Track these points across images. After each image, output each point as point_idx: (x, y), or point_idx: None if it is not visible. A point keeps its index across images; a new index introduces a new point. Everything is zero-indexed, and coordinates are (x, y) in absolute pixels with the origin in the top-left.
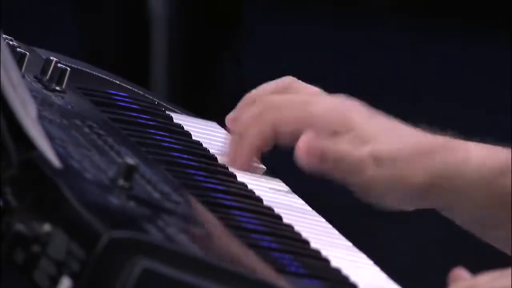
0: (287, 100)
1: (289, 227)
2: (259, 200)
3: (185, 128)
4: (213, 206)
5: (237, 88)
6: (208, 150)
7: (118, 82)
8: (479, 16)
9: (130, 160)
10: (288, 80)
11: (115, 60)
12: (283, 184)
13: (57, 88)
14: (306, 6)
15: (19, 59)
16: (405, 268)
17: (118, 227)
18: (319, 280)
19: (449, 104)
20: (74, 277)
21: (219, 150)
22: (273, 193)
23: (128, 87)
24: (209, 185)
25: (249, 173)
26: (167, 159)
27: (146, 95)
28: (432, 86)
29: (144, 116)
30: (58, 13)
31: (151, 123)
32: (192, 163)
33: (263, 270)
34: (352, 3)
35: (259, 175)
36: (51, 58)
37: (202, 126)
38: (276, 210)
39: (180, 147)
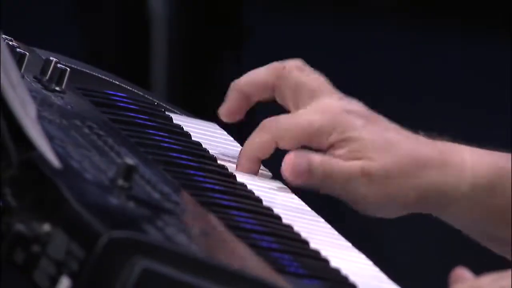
0: (283, 122)
1: (289, 227)
2: (259, 200)
3: (185, 128)
4: (212, 206)
5: None
6: (208, 150)
7: (117, 83)
8: (479, 16)
9: (130, 161)
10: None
11: (115, 60)
12: (282, 185)
13: (57, 88)
14: (306, 6)
15: (19, 59)
16: (404, 268)
17: (117, 227)
18: (319, 280)
19: (449, 104)
20: (73, 277)
21: (218, 151)
22: (272, 193)
23: (128, 87)
24: (209, 185)
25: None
26: (166, 160)
27: (146, 95)
28: (432, 86)
29: (144, 116)
30: (58, 13)
31: (150, 123)
32: (192, 163)
33: (262, 270)
34: (352, 3)
35: (258, 176)
36: (51, 58)
37: (201, 127)
38: (276, 211)
39: (179, 147)
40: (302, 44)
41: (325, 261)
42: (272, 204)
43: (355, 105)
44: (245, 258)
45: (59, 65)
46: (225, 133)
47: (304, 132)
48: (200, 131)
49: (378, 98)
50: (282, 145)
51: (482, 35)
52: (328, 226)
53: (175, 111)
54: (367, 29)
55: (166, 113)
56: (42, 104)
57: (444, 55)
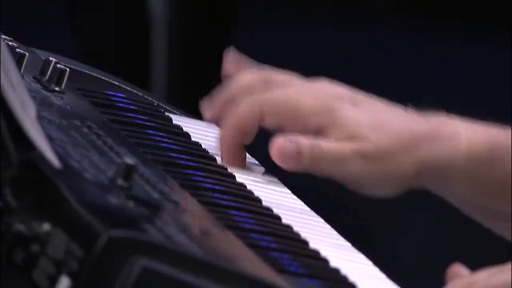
0: (272, 97)
1: (288, 227)
2: (258, 200)
3: (184, 129)
4: (212, 206)
5: None
6: (207, 151)
7: (117, 83)
8: (479, 16)
9: (129, 160)
10: (264, 73)
11: (115, 60)
12: (282, 185)
13: (56, 88)
14: (306, 6)
15: (18, 59)
16: (404, 268)
17: (117, 226)
18: (318, 280)
19: (449, 104)
20: (73, 276)
21: (218, 151)
22: (272, 193)
23: (128, 88)
24: (208, 185)
25: (247, 173)
26: (166, 160)
27: (146, 96)
28: (432, 86)
29: (143, 117)
30: (58, 13)
31: (150, 124)
32: (191, 163)
33: (262, 270)
34: (352, 3)
35: (257, 175)
36: (50, 58)
37: (201, 127)
38: (275, 211)
39: (179, 148)
40: (302, 44)
41: (325, 261)
42: (271, 204)
43: (344, 89)
44: (244, 258)
45: (58, 65)
46: None
47: (294, 109)
48: (200, 132)
49: (378, 98)
50: (267, 121)
51: (482, 35)
52: (328, 226)
53: (175, 111)
54: (367, 29)
55: (166, 113)
56: (42, 104)
57: (444, 55)
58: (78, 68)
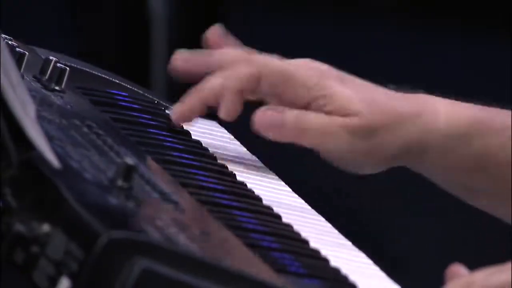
0: (272, 62)
1: (289, 227)
2: (259, 199)
3: (185, 127)
4: (212, 205)
5: None
6: (208, 149)
7: (117, 82)
8: (479, 16)
9: (129, 160)
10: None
11: (115, 60)
12: (283, 184)
13: (56, 87)
14: (306, 6)
15: (18, 58)
16: (405, 267)
17: (117, 227)
18: (319, 279)
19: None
20: (73, 277)
21: (218, 149)
22: (272, 192)
23: (128, 86)
24: (208, 184)
25: (247, 171)
26: (166, 159)
27: (146, 94)
28: (432, 86)
29: (144, 115)
30: (58, 13)
31: (150, 122)
32: (192, 162)
33: (262, 270)
34: (352, 3)
35: (257, 173)
36: (50, 57)
37: (201, 126)
38: (275, 210)
39: (179, 146)
40: (302, 44)
41: (325, 261)
42: (272, 203)
43: (331, 67)
44: (245, 258)
45: (58, 64)
46: (225, 131)
47: (290, 77)
48: (200, 130)
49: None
50: (263, 84)
51: (482, 35)
52: (328, 225)
53: None
54: (367, 29)
55: (166, 112)
56: (42, 103)
57: (444, 55)
58: (78, 67)
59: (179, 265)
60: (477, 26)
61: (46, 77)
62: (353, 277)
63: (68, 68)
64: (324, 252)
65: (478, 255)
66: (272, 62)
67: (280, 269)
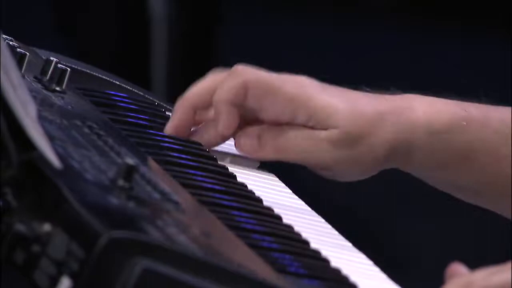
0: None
1: (289, 227)
2: (259, 200)
3: None
4: (213, 206)
5: None
6: (208, 150)
7: (118, 83)
8: (479, 16)
9: (130, 161)
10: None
11: (115, 61)
12: (283, 185)
13: (57, 88)
14: (305, 6)
15: (19, 59)
16: (405, 268)
17: (118, 227)
18: (319, 280)
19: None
20: (74, 277)
21: (218, 150)
22: (273, 193)
23: (128, 87)
24: (209, 185)
25: (248, 172)
26: (167, 160)
27: (146, 95)
28: (432, 86)
29: (144, 116)
30: (58, 13)
31: (151, 123)
32: (192, 163)
33: (263, 270)
34: (352, 3)
35: (252, 170)
36: (51, 58)
37: None
38: (276, 211)
39: (179, 147)
40: (302, 44)
41: (326, 261)
42: (272, 204)
43: (312, 80)
44: (245, 258)
45: (59, 65)
46: None
47: (276, 91)
48: None
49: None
50: (250, 96)
51: (482, 35)
52: (329, 226)
53: None
54: (367, 29)
55: (166, 113)
56: (43, 104)
57: (444, 55)
58: (79, 68)
59: (180, 265)
60: (477, 26)
61: (47, 77)
62: (353, 277)
63: (69, 69)
64: (324, 252)
65: (478, 255)
66: (258, 74)
67: (280, 270)
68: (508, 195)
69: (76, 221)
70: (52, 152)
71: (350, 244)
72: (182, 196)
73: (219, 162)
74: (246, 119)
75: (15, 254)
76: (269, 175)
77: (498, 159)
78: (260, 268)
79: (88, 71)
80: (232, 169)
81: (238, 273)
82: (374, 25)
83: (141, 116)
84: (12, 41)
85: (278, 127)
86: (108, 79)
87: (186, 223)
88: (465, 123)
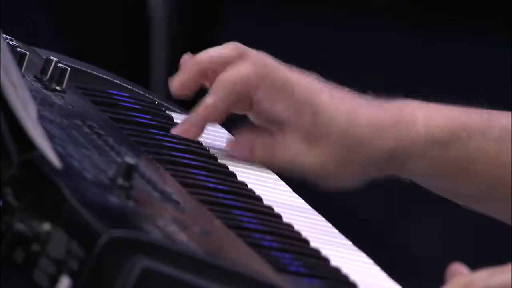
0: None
1: (289, 226)
2: (259, 199)
3: None
4: (213, 205)
5: None
6: (209, 149)
7: (118, 82)
8: (479, 16)
9: (130, 160)
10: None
11: (115, 60)
12: (283, 184)
13: (57, 88)
14: (305, 6)
15: (19, 59)
16: (405, 266)
17: (117, 226)
18: (319, 279)
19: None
20: (73, 276)
21: (219, 149)
22: (273, 192)
23: (129, 86)
24: (209, 184)
25: (248, 170)
26: (167, 159)
27: (146, 95)
28: (432, 87)
29: (144, 115)
30: (58, 13)
31: (151, 122)
32: (192, 162)
33: (263, 269)
34: (352, 3)
35: (255, 171)
36: (51, 58)
37: None
38: (276, 209)
39: (180, 146)
40: (302, 44)
41: (326, 260)
42: (272, 203)
43: (325, 85)
44: (245, 257)
45: (59, 64)
46: (225, 132)
47: (291, 92)
48: None
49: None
50: (262, 89)
51: (482, 35)
52: (329, 224)
53: (176, 110)
54: (367, 29)
55: (167, 112)
56: (43, 103)
57: (444, 55)
58: (79, 67)
59: (180, 264)
60: (477, 26)
61: (47, 77)
62: (353, 276)
63: (69, 69)
64: (324, 251)
65: (478, 255)
66: (275, 69)
67: (280, 269)
68: (507, 202)
69: (76, 221)
70: (52, 151)
71: (350, 243)
72: (182, 195)
73: (219, 161)
74: (246, 104)
75: (15, 253)
76: (269, 174)
77: (497, 167)
78: (260, 267)
79: (88, 70)
80: (232, 168)
81: (238, 272)
82: (374, 25)
83: (141, 115)
84: (12, 41)
85: (271, 132)
86: (108, 78)
87: (186, 222)
88: (465, 134)
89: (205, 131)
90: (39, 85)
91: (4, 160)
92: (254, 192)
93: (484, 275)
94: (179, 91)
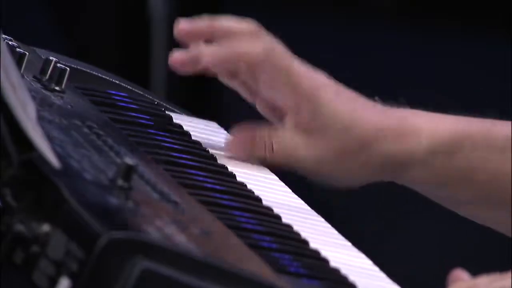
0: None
1: (289, 227)
2: (258, 200)
3: (185, 128)
4: (212, 206)
5: None
6: (208, 150)
7: (117, 82)
8: (479, 16)
9: (129, 161)
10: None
11: (115, 60)
12: (283, 184)
13: (57, 88)
14: (306, 6)
15: (19, 59)
16: (404, 267)
17: (117, 227)
18: (318, 280)
19: (449, 105)
20: (73, 277)
21: (218, 150)
22: (272, 192)
23: (128, 87)
24: (208, 185)
25: (247, 170)
26: (166, 159)
27: (146, 95)
28: (432, 87)
29: (144, 116)
30: (57, 13)
31: (150, 123)
32: (192, 163)
33: (262, 270)
34: (352, 3)
35: (254, 171)
36: (51, 58)
37: (201, 126)
38: (275, 210)
39: (179, 147)
40: (302, 44)
41: (325, 261)
42: (271, 204)
43: (333, 82)
44: (245, 258)
45: (58, 64)
46: (225, 132)
47: (295, 85)
48: (200, 131)
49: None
50: (265, 75)
51: (482, 35)
52: (328, 225)
53: (175, 110)
54: (367, 29)
55: (166, 112)
56: (42, 104)
57: (444, 55)
58: (78, 67)
59: (179, 266)
60: (477, 26)
61: (46, 77)
62: (352, 277)
63: (68, 69)
64: (323, 252)
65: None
66: (285, 61)
67: (280, 269)
68: (504, 209)
69: (75, 221)
70: (52, 152)
71: (349, 244)
72: (182, 196)
73: (218, 162)
74: (251, 87)
75: (14, 254)
76: (268, 174)
77: (501, 177)
78: (259, 268)
79: (88, 70)
80: (231, 168)
81: (237, 273)
82: (374, 25)
83: (141, 116)
84: (12, 41)
85: (272, 127)
86: (107, 78)
87: (186, 223)
88: (469, 144)
89: (204, 132)
90: (38, 85)
91: (4, 160)
92: (253, 192)
93: (485, 281)
94: (185, 37)
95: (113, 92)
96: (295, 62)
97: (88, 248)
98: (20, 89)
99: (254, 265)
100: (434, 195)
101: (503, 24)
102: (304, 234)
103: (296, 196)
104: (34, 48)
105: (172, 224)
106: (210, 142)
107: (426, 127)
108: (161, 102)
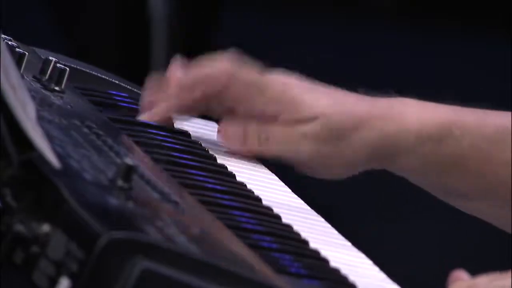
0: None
1: (288, 227)
2: (258, 199)
3: (184, 128)
4: (212, 206)
5: None
6: (208, 150)
7: (117, 82)
8: (479, 16)
9: (129, 161)
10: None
11: (115, 60)
12: (282, 184)
13: (56, 88)
14: (306, 6)
15: (18, 59)
16: (404, 267)
17: (117, 227)
18: (318, 280)
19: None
20: (73, 277)
21: (218, 150)
22: (272, 192)
23: (128, 87)
24: (208, 185)
25: (247, 170)
26: (166, 159)
27: None
28: (432, 87)
29: None
30: (57, 13)
31: (150, 122)
32: (191, 163)
33: (262, 270)
34: (352, 3)
35: (254, 171)
36: (50, 58)
37: (201, 126)
38: (275, 210)
39: (179, 147)
40: (302, 44)
41: (325, 261)
42: (271, 204)
43: (301, 79)
44: (245, 259)
45: (58, 64)
46: None
47: (262, 91)
48: (200, 130)
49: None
50: (233, 90)
51: (482, 35)
52: (328, 225)
53: None
54: (367, 29)
55: None
56: (42, 104)
57: (444, 55)
58: (78, 67)
59: (179, 266)
60: (477, 26)
61: (46, 77)
62: (352, 277)
63: (67, 69)
64: (323, 252)
65: (478, 256)
66: (248, 74)
67: (280, 270)
68: (503, 204)
69: (75, 221)
70: (51, 152)
71: (349, 244)
72: (182, 196)
73: (218, 162)
74: (225, 107)
75: (14, 254)
76: (268, 174)
77: (492, 166)
78: (259, 269)
79: (87, 70)
80: (231, 168)
81: (237, 274)
82: (374, 25)
83: None
84: (11, 41)
85: (261, 121)
86: (107, 78)
87: (186, 223)
88: (458, 131)
89: (204, 132)
90: (38, 85)
91: (4, 160)
92: (253, 192)
93: (485, 280)
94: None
95: (113, 92)
96: (257, 77)
97: (88, 248)
98: (20, 89)
99: (254, 266)
100: (425, 184)
101: (503, 24)
102: (304, 234)
103: (296, 196)
104: (34, 48)
105: (172, 224)
106: (210, 142)
107: (414, 115)
108: None
